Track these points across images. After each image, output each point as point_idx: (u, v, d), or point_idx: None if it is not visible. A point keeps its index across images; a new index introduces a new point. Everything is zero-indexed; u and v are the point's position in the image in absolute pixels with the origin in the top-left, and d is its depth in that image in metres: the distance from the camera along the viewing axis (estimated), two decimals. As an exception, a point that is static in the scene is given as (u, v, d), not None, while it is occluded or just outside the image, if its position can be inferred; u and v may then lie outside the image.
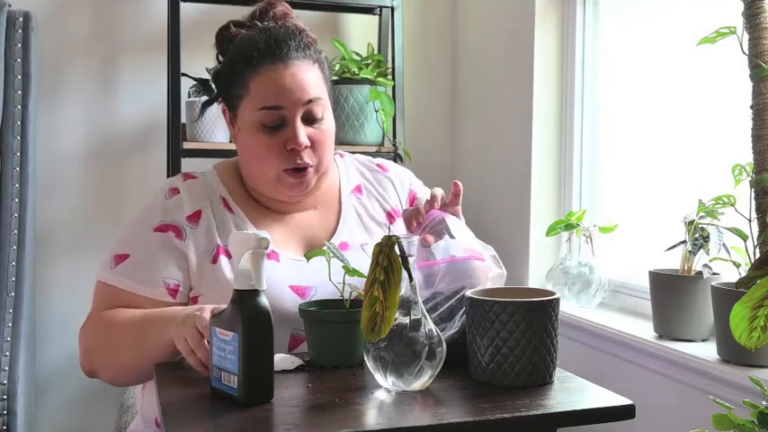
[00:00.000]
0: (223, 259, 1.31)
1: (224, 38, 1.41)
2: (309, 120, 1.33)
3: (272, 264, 1.32)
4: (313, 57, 1.35)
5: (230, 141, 2.26)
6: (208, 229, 1.34)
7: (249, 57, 1.32)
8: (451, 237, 1.21)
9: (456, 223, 1.25)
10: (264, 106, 1.31)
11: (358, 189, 1.49)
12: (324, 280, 1.21)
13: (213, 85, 1.47)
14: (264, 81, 1.31)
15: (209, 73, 2.27)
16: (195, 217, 1.34)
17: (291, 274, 1.32)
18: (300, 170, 1.33)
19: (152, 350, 1.22)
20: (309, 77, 1.32)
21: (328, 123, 1.36)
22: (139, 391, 1.44)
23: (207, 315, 1.10)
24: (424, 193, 1.53)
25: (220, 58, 1.43)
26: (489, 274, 1.18)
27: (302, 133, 1.31)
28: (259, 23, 1.39)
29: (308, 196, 1.40)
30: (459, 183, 1.30)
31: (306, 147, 1.31)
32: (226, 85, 1.37)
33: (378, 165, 1.55)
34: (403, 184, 1.53)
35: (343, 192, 1.47)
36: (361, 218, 1.45)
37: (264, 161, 1.33)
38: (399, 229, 1.44)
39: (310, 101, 1.32)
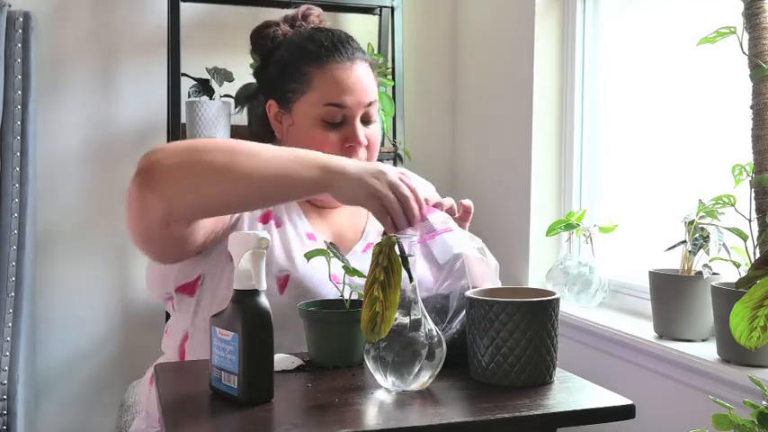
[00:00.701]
0: (272, 224, 1.32)
1: (265, 36, 1.42)
2: (365, 121, 1.36)
3: (313, 244, 1.32)
4: (368, 60, 1.39)
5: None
6: None
7: (314, 53, 1.34)
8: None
9: (438, 216, 1.26)
10: (329, 102, 1.32)
11: None
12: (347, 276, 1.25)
13: (258, 78, 1.47)
14: (331, 77, 1.33)
15: (209, 73, 2.27)
16: None
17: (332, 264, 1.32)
18: None
19: (287, 188, 1.12)
20: (370, 80, 1.36)
21: (378, 126, 1.40)
22: (145, 386, 1.43)
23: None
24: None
25: (255, 56, 1.45)
26: (481, 264, 1.18)
27: (362, 133, 1.34)
28: (304, 24, 1.43)
29: None
30: (470, 203, 1.30)
31: (363, 145, 1.35)
32: (279, 80, 1.38)
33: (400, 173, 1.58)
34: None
35: None
36: None
37: None
38: None
39: (370, 103, 1.35)
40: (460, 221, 1.31)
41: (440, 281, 1.17)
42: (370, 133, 1.36)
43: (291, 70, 1.35)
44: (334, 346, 1.14)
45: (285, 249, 1.31)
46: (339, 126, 1.34)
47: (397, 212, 1.11)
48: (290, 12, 1.49)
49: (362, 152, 1.35)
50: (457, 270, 1.15)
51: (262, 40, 1.43)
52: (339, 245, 1.37)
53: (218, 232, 1.28)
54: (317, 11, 1.47)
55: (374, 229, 1.43)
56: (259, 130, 1.45)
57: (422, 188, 1.15)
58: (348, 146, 1.33)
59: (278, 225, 1.34)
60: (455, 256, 1.17)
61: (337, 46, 1.34)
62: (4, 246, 2.13)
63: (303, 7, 1.47)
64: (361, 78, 1.34)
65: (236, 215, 1.31)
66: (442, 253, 1.19)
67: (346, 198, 1.13)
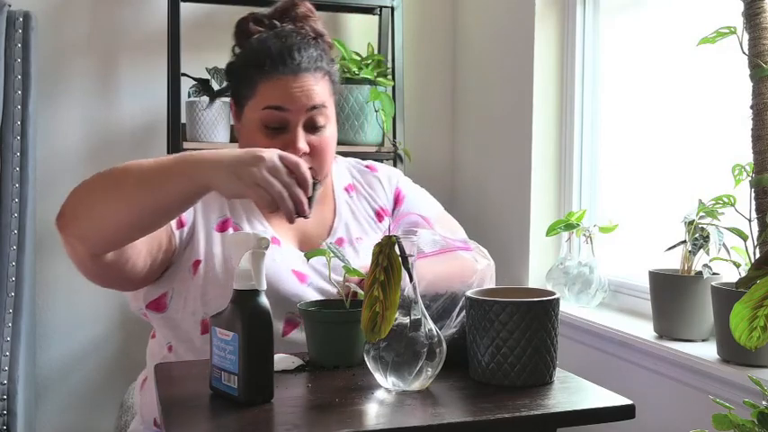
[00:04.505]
0: (231, 231, 1.33)
1: (242, 32, 1.42)
2: (311, 127, 1.35)
3: (274, 247, 1.33)
4: (324, 69, 1.37)
5: (230, 141, 2.27)
6: (220, 201, 1.35)
7: (261, 63, 1.33)
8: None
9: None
10: (268, 106, 1.32)
11: (349, 188, 1.51)
12: (315, 274, 1.31)
13: (225, 77, 1.48)
14: (273, 86, 1.33)
15: (209, 73, 2.27)
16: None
17: (293, 260, 1.34)
18: None
19: (164, 197, 1.13)
20: (317, 88, 1.34)
21: (330, 131, 1.37)
22: (137, 391, 1.44)
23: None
24: (412, 191, 1.55)
25: (236, 50, 1.44)
26: (478, 265, 1.18)
27: (302, 139, 1.33)
28: (278, 23, 1.40)
29: None
30: None
31: (304, 153, 1.32)
32: (236, 83, 1.40)
33: (367, 166, 1.56)
34: (391, 181, 1.54)
35: (337, 190, 1.49)
36: (355, 214, 1.47)
37: None
38: (386, 228, 1.48)
39: (314, 107, 1.33)
40: None
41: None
42: (317, 140, 1.35)
43: (244, 76, 1.36)
44: (335, 346, 1.15)
45: None
46: (281, 132, 1.33)
47: (283, 200, 1.10)
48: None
49: (306, 161, 1.31)
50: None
51: (238, 36, 1.43)
52: (306, 244, 1.39)
53: (168, 250, 1.30)
54: (303, 6, 1.44)
55: (342, 224, 1.44)
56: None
57: (304, 164, 1.13)
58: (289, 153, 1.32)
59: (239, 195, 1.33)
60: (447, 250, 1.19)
61: (284, 58, 1.33)
62: (4, 246, 2.13)
63: (287, 1, 1.44)
64: (305, 87, 1.33)
65: (189, 230, 1.32)
66: (431, 245, 1.20)
67: (229, 191, 1.12)
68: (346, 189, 1.50)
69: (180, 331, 1.32)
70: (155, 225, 1.19)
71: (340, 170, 1.52)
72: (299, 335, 1.29)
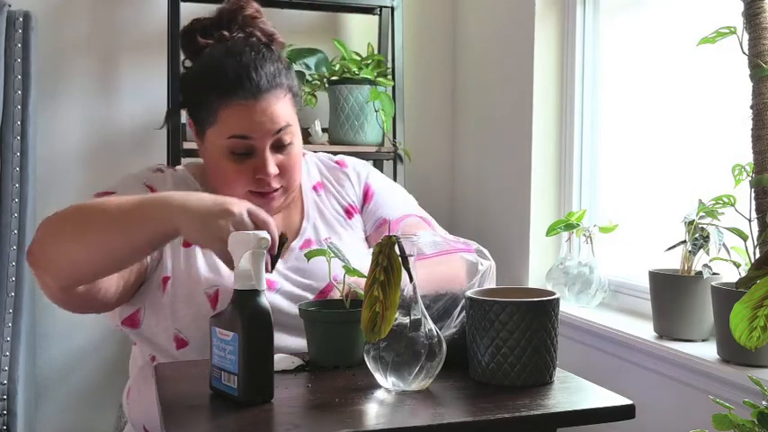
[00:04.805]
0: (196, 246, 1.32)
1: (190, 45, 1.39)
2: (278, 147, 1.32)
3: None
4: (283, 84, 1.32)
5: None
6: None
7: (219, 88, 1.28)
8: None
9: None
10: (233, 135, 1.29)
11: (318, 186, 1.49)
12: (284, 280, 1.30)
13: (180, 91, 1.43)
14: (235, 114, 1.28)
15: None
16: None
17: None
18: (267, 193, 1.33)
19: (133, 239, 1.13)
20: (280, 108, 1.31)
21: (297, 147, 1.35)
22: (125, 399, 1.44)
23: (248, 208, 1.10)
24: (382, 187, 1.52)
25: (186, 62, 1.41)
26: (479, 266, 1.18)
27: (271, 163, 1.30)
28: (227, 33, 1.36)
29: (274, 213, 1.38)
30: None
31: (274, 175, 1.31)
32: (194, 106, 1.35)
33: (336, 161, 1.54)
34: (360, 177, 1.52)
35: (305, 190, 1.47)
36: (323, 214, 1.45)
37: (231, 184, 1.32)
38: (357, 225, 1.46)
39: (280, 130, 1.30)
40: None
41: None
42: (285, 159, 1.32)
43: (200, 98, 1.32)
44: (335, 346, 1.15)
45: (210, 265, 1.31)
46: (248, 157, 1.30)
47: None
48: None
49: (275, 180, 1.31)
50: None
51: (186, 48, 1.39)
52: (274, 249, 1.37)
53: (140, 271, 1.29)
54: (250, 8, 1.38)
55: (311, 226, 1.42)
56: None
57: (273, 223, 1.12)
58: (258, 177, 1.31)
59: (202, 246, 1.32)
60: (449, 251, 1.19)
61: (242, 80, 1.27)
62: (4, 246, 2.13)
63: (232, 3, 1.38)
64: (267, 110, 1.29)
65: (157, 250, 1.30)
66: (432, 247, 1.20)
67: (194, 240, 1.12)
68: (315, 188, 1.48)
69: (157, 345, 1.31)
70: (125, 263, 1.20)
71: (309, 168, 1.50)
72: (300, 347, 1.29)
